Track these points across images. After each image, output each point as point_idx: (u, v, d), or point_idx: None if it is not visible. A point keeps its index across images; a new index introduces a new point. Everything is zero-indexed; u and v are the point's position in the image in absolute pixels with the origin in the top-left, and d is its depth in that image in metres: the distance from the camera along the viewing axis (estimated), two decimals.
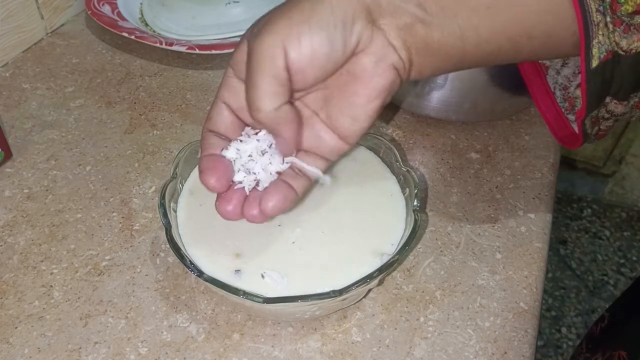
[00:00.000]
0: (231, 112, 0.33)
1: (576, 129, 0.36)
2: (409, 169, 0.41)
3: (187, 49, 0.61)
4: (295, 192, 0.33)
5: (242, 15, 0.67)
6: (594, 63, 0.27)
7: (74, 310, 0.39)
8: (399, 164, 0.42)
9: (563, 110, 0.37)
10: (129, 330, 0.38)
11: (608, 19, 0.26)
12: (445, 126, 0.55)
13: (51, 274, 0.41)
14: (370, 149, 0.44)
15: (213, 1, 0.67)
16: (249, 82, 0.29)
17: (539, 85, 0.38)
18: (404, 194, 0.41)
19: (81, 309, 0.39)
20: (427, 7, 0.28)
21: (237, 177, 0.33)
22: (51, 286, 0.41)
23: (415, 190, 0.39)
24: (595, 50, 0.27)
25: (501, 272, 0.43)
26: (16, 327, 0.38)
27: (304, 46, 0.27)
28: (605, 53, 0.27)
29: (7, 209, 0.46)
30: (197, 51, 0.61)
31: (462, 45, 0.29)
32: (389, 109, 0.57)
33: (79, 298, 0.40)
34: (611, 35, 0.27)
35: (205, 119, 0.33)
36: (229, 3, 0.67)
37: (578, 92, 0.35)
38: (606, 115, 0.31)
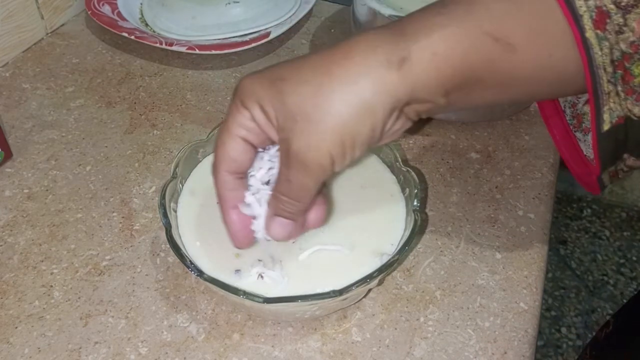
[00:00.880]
0: (252, 147, 0.31)
1: (584, 151, 0.36)
2: (409, 169, 0.41)
3: (187, 49, 0.61)
4: (324, 194, 0.34)
5: (242, 15, 0.67)
6: (605, 127, 0.27)
7: (74, 310, 0.39)
8: (399, 164, 0.42)
9: (571, 127, 0.37)
10: (129, 330, 0.38)
11: (619, 88, 0.26)
12: (445, 126, 0.55)
13: (51, 274, 0.41)
14: (370, 149, 0.44)
15: (213, 1, 0.67)
16: (293, 173, 0.29)
17: (551, 106, 0.39)
18: (404, 194, 0.41)
19: (81, 309, 0.39)
20: (451, 97, 0.28)
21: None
22: (51, 286, 0.41)
23: (415, 190, 0.39)
24: (606, 116, 0.27)
25: (501, 272, 0.43)
26: (16, 327, 0.38)
27: (348, 159, 0.28)
28: (617, 118, 0.27)
29: (7, 209, 0.46)
30: (197, 51, 0.61)
31: (468, 106, 0.30)
32: None
33: (79, 298, 0.40)
34: (623, 103, 0.27)
35: (221, 160, 0.31)
36: (229, 3, 0.67)
37: (586, 109, 0.35)
38: (625, 169, 0.31)
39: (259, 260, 0.37)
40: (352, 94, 0.27)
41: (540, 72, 0.27)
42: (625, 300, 1.43)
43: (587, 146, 0.35)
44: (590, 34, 0.25)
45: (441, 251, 0.44)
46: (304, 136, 0.27)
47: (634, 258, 1.55)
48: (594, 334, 1.37)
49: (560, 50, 0.26)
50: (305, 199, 0.30)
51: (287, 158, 0.28)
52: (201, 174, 0.43)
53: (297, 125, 0.27)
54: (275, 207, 0.32)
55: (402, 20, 0.28)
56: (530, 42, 0.26)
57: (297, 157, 0.28)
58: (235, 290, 0.33)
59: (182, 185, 0.41)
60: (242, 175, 0.32)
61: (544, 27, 0.26)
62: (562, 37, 0.26)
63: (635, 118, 0.27)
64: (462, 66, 0.27)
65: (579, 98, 0.36)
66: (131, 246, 0.43)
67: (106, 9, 0.67)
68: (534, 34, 0.26)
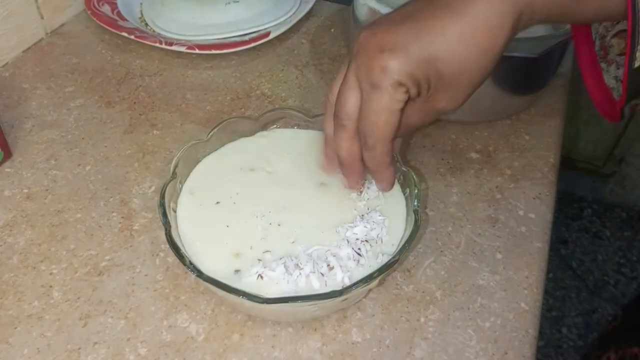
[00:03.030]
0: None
1: (606, 80, 0.40)
2: (409, 169, 0.41)
3: (186, 48, 0.61)
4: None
5: (242, 15, 0.67)
6: (636, 64, 0.31)
7: (74, 311, 0.39)
8: (399, 163, 0.41)
9: (598, 57, 0.40)
10: (128, 330, 0.38)
11: None
12: (445, 126, 0.55)
13: (51, 274, 0.41)
14: None
15: (213, 1, 0.67)
16: (427, 118, 0.36)
17: (583, 35, 0.42)
18: (404, 194, 0.41)
19: (81, 309, 0.39)
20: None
21: None
22: (51, 286, 0.41)
23: (415, 190, 0.39)
24: (638, 54, 0.31)
25: (502, 273, 0.43)
26: (16, 328, 0.38)
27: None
28: None
29: (7, 209, 0.46)
30: (197, 51, 0.61)
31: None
32: None
33: (78, 298, 0.40)
34: None
35: (390, 133, 0.35)
36: (229, 3, 0.67)
37: (613, 42, 0.39)
38: None
39: (259, 260, 0.37)
40: (494, 61, 0.33)
41: (599, 10, 0.32)
42: (626, 301, 1.43)
43: (609, 76, 0.39)
44: None
45: (441, 251, 0.44)
46: (453, 99, 0.34)
47: (635, 258, 1.54)
48: (594, 334, 1.37)
49: None
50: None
51: (430, 110, 0.35)
52: (201, 174, 0.43)
53: (449, 91, 0.34)
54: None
55: None
56: None
57: (441, 111, 0.35)
58: (235, 291, 0.33)
59: (182, 185, 0.41)
60: None
61: None
62: None
63: None
64: (556, 12, 0.32)
65: (608, 31, 0.39)
66: (131, 246, 0.43)
67: (106, 9, 0.67)
68: None
